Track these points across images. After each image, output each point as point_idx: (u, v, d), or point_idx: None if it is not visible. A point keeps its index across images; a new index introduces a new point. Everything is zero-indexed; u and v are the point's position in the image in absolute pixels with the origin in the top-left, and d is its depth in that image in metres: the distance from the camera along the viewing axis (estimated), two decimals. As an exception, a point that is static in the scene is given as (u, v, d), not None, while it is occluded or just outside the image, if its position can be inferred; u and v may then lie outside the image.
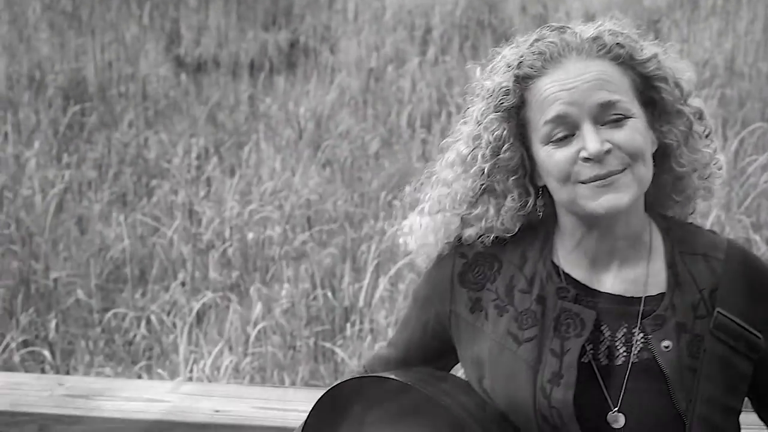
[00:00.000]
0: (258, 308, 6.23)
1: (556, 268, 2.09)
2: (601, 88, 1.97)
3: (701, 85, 8.93)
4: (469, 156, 2.07)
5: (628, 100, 1.99)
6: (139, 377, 5.81)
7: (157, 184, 8.02)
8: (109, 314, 6.42)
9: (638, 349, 2.04)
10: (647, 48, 2.04)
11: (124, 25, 11.60)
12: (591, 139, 1.94)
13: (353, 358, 5.83)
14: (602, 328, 2.06)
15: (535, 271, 2.09)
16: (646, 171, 2.01)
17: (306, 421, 2.11)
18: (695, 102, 2.09)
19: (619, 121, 1.97)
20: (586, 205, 1.98)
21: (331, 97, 9.69)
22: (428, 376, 2.13)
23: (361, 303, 6.26)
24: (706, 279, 2.08)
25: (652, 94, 2.03)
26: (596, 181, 1.96)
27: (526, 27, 7.98)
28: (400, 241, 2.24)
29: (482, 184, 2.06)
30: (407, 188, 2.26)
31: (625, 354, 2.04)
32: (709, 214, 6.34)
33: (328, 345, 5.99)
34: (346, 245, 7.13)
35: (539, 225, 2.13)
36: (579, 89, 1.96)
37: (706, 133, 2.10)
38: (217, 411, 2.39)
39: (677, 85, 2.05)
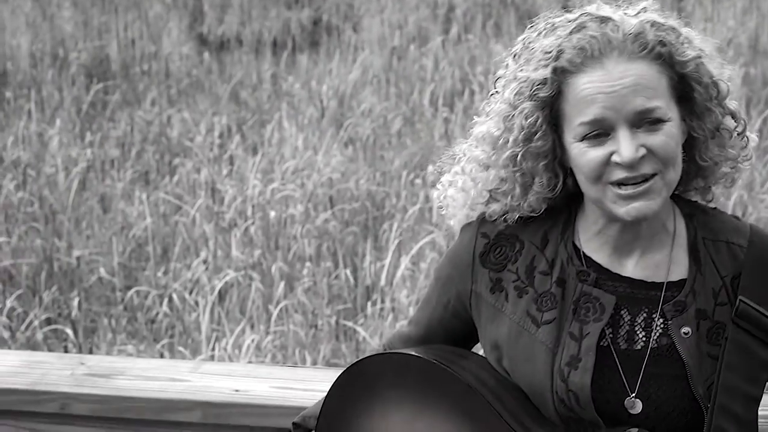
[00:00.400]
0: (280, 287, 6.25)
1: (577, 251, 2.08)
2: (640, 94, 1.94)
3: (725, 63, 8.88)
4: (501, 139, 2.05)
5: (664, 105, 1.96)
6: (161, 356, 5.84)
7: (179, 162, 8.04)
8: (132, 292, 6.45)
9: (657, 334, 2.03)
10: (689, 47, 2.01)
11: (147, 3, 11.61)
12: (626, 146, 1.92)
13: (374, 337, 5.83)
14: (622, 312, 2.05)
15: (556, 254, 2.08)
16: (675, 175, 1.99)
17: (326, 396, 2.11)
18: (731, 104, 2.07)
19: (654, 124, 1.95)
20: (614, 209, 1.98)
21: (353, 76, 9.68)
22: (449, 354, 2.13)
23: (382, 282, 6.26)
24: (728, 266, 2.07)
25: (687, 90, 2.01)
26: (627, 184, 1.94)
27: (549, 5, 7.95)
28: (435, 195, 2.23)
29: (514, 169, 2.05)
30: (430, 167, 2.26)
31: (644, 339, 2.03)
32: (731, 194, 6.31)
33: (349, 324, 6.00)
34: (368, 224, 7.13)
35: (562, 206, 2.12)
36: (618, 94, 1.93)
37: (738, 130, 2.08)
38: (236, 390, 2.40)
39: (716, 85, 2.02)
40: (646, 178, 1.94)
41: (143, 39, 10.73)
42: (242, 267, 6.55)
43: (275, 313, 6.04)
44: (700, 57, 2.00)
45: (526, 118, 2.00)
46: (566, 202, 2.11)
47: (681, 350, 2.00)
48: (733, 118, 2.06)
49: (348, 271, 6.54)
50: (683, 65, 1.98)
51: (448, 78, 9.59)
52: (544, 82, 1.98)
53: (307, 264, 6.49)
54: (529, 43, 2.06)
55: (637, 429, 1.98)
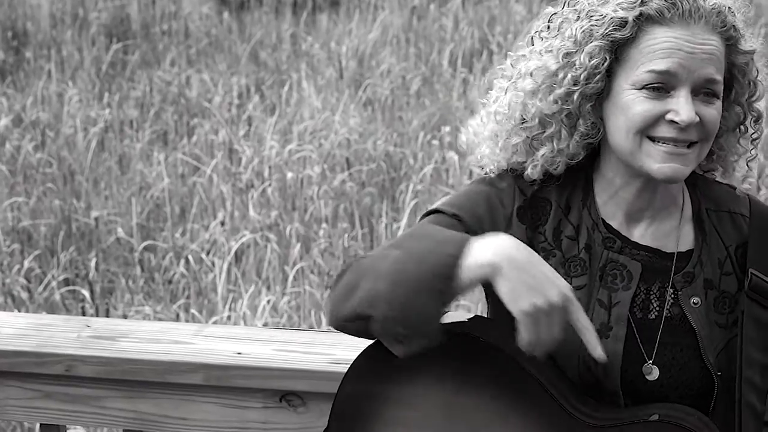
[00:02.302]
0: (296, 248, 6.27)
1: (600, 218, 2.09)
2: (712, 64, 1.97)
3: (746, 23, 8.81)
4: (560, 74, 2.04)
5: (722, 82, 2.00)
6: (177, 316, 5.87)
7: (197, 123, 8.05)
8: (149, 253, 6.48)
9: (670, 304, 2.05)
10: (749, 40, 2.04)
11: (168, -38, 11.59)
12: (687, 108, 1.94)
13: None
14: (639, 281, 2.06)
15: (580, 219, 2.08)
16: (707, 151, 2.03)
17: (353, 364, 2.08)
18: (760, 104, 2.10)
19: (709, 96, 1.98)
20: (648, 165, 1.98)
21: (373, 36, 9.65)
22: (480, 324, 2.09)
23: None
24: (733, 236, 2.10)
25: (730, 79, 2.04)
26: (671, 143, 1.95)
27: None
28: (463, 138, 2.21)
29: (565, 105, 2.04)
30: (447, 128, 2.25)
31: (657, 309, 2.05)
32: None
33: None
34: (385, 185, 7.14)
35: (578, 171, 2.11)
36: (696, 57, 1.95)
37: (754, 136, 2.12)
38: (239, 353, 2.41)
39: (755, 85, 2.07)
40: (688, 144, 1.97)
41: (163, -1, 10.73)
42: (259, 228, 6.56)
43: (291, 274, 6.06)
44: (753, 53, 2.04)
45: (592, 59, 2.00)
46: (582, 166, 2.11)
47: (692, 320, 2.03)
48: (755, 121, 2.10)
49: (365, 232, 6.55)
50: (740, 56, 2.02)
51: (467, 38, 9.56)
52: (623, 24, 1.98)
53: (324, 225, 6.50)
54: None
55: (657, 416, 1.99)
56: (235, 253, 6.30)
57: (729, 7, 2.02)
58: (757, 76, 2.07)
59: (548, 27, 2.10)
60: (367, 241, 6.49)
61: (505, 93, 2.12)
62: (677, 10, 1.97)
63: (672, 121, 1.95)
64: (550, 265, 2.00)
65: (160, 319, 5.94)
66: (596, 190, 2.10)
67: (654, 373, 2.01)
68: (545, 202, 2.09)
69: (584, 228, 2.07)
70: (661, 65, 1.94)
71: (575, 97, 2.02)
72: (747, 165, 2.16)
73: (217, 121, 7.93)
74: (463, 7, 10.21)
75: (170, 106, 8.42)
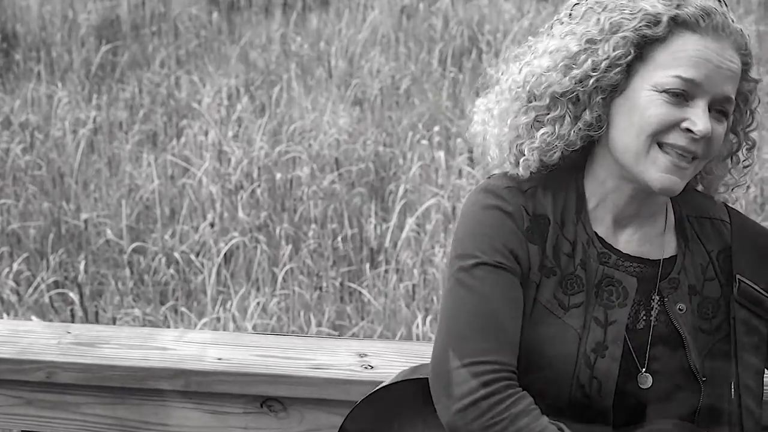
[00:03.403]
0: (286, 249, 6.26)
1: (593, 231, 2.08)
2: (732, 83, 1.97)
3: (736, 21, 8.82)
4: (580, 57, 2.03)
5: (734, 104, 2.01)
6: (166, 318, 5.87)
7: (187, 124, 8.04)
8: (139, 255, 6.48)
9: (657, 312, 2.05)
10: (755, 70, 2.05)
11: (157, -37, 11.58)
12: (704, 119, 1.94)
13: (379, 298, 5.85)
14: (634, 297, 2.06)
15: (575, 235, 2.07)
16: (700, 168, 2.03)
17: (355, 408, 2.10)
18: (755, 134, 2.11)
19: (721, 114, 1.98)
20: (649, 172, 1.97)
21: (362, 36, 9.65)
22: None
23: (387, 243, 6.27)
24: (714, 241, 2.11)
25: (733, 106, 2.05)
26: (677, 154, 1.95)
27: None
28: (475, 118, 2.19)
29: (580, 87, 2.02)
30: (436, 128, 2.23)
31: (645, 317, 2.05)
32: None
33: (354, 285, 6.01)
34: (374, 185, 7.13)
35: (570, 177, 2.10)
36: (722, 72, 1.96)
37: (746, 164, 2.12)
38: (219, 359, 2.41)
39: (752, 114, 2.08)
40: (693, 158, 1.97)
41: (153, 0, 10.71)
42: (248, 229, 6.56)
43: (281, 275, 6.06)
44: (759, 82, 2.05)
45: (616, 49, 1.99)
46: (573, 172, 2.10)
47: (678, 326, 2.04)
48: (749, 150, 2.10)
49: (354, 233, 6.54)
50: (747, 83, 2.03)
51: (457, 37, 9.55)
52: (656, 22, 1.98)
53: (313, 226, 6.50)
54: None
55: None
56: (225, 254, 6.30)
57: (748, 34, 2.04)
58: (756, 107, 2.08)
59: (570, 15, 2.10)
60: (357, 241, 6.49)
61: (520, 71, 2.11)
62: (711, 21, 1.97)
63: (687, 130, 1.94)
64: (551, 283, 2.00)
65: (149, 321, 5.94)
66: (587, 193, 2.09)
67: (648, 382, 2.01)
68: (544, 219, 2.07)
69: (580, 244, 2.06)
70: (689, 73, 1.94)
71: (590, 83, 2.01)
72: (732, 191, 2.15)
73: (207, 122, 7.93)
74: (453, 6, 10.21)
75: (160, 108, 8.41)
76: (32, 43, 9.85)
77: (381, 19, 10.04)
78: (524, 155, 2.07)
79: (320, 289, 6.03)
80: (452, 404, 1.95)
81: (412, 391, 2.10)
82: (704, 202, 2.15)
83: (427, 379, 2.04)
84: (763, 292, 2.03)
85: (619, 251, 2.07)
